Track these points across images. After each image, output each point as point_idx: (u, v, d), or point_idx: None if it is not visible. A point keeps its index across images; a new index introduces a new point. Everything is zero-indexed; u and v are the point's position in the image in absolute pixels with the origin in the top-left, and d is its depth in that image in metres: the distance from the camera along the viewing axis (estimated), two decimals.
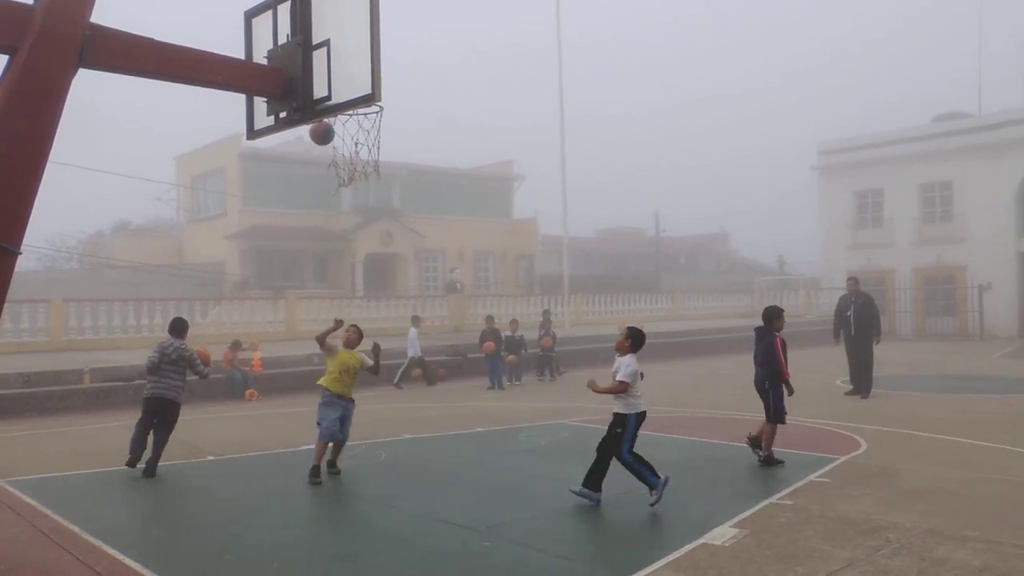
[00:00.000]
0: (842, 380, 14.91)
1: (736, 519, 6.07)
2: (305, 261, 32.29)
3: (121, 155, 57.93)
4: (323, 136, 6.53)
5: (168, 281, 28.95)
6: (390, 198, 34.06)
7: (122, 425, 11.72)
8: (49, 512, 6.68)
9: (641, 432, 7.24)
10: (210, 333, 19.72)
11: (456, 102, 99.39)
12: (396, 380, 16.19)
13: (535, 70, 78.50)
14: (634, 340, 6.78)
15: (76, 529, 6.17)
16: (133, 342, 19.02)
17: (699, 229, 56.61)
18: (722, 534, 5.71)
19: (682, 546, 5.45)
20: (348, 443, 9.89)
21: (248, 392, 14.80)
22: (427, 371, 16.81)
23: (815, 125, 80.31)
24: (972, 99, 46.46)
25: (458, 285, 29.42)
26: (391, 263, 33.48)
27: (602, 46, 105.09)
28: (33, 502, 7.02)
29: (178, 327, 8.87)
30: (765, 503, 6.52)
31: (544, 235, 39.39)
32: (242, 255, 30.66)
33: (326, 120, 6.41)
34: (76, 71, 5.21)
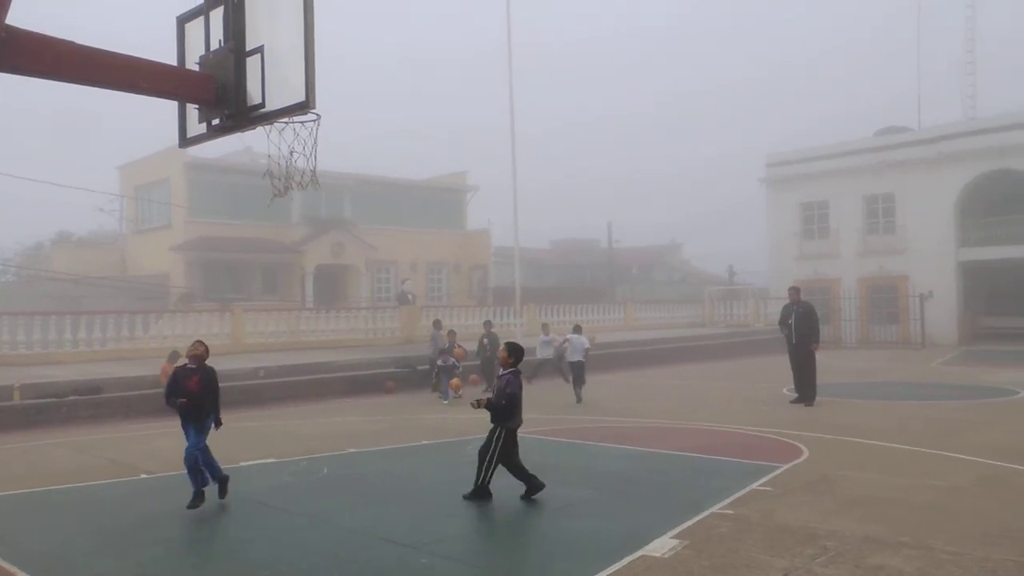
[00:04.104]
0: (788, 388, 15.11)
1: (677, 530, 6.04)
2: (253, 273, 31.70)
3: (63, 164, 56.32)
4: None
5: (110, 294, 28.14)
6: (341, 209, 33.71)
7: (54, 443, 11.30)
8: None
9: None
10: (151, 347, 19.22)
11: (411, 113, 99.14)
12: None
13: (487, 81, 78.86)
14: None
15: None
16: (71, 356, 18.40)
17: (652, 240, 57.28)
18: (662, 545, 5.67)
19: (621, 558, 5.40)
20: (290, 458, 9.70)
21: None
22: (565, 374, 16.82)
23: (764, 137, 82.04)
24: (912, 114, 47.85)
25: (410, 296, 29.18)
26: (342, 275, 33.08)
27: (554, 56, 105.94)
28: None
29: (436, 324, 17.70)
30: (707, 513, 6.52)
31: (498, 246, 39.38)
32: (188, 267, 29.97)
33: None
34: None
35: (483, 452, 7.35)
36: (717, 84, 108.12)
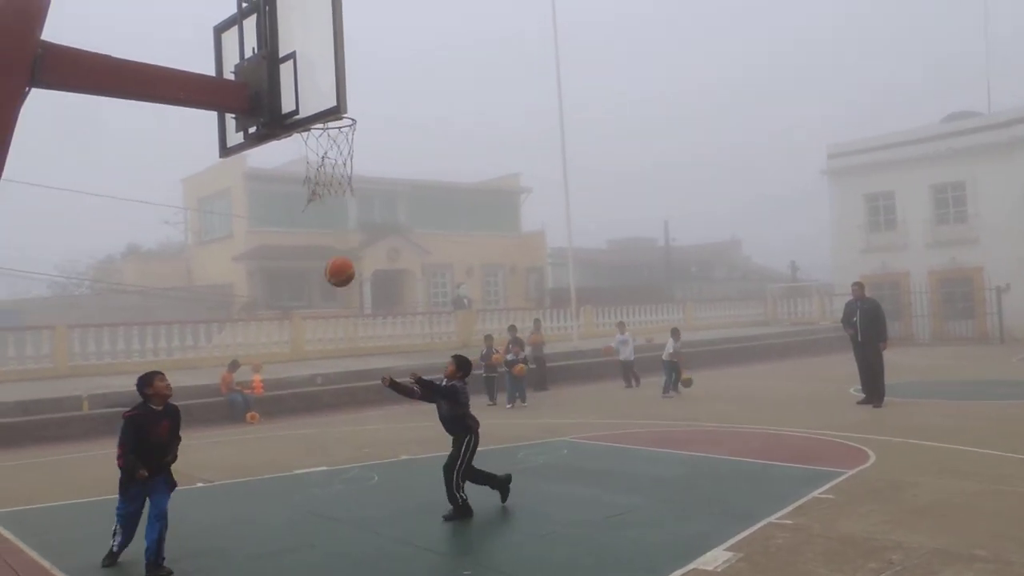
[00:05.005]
0: (855, 388, 14.50)
1: (731, 541, 5.75)
2: (312, 280, 32.17)
3: (132, 178, 58.43)
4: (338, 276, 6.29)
5: (178, 304, 28.95)
6: (396, 214, 33.99)
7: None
8: (25, 547, 6.49)
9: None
10: (215, 356, 19.62)
11: (466, 116, 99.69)
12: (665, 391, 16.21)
13: (542, 82, 78.72)
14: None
15: (47, 564, 5.97)
16: (138, 367, 18.79)
17: (711, 237, 56.27)
18: (714, 558, 5.40)
19: (671, 572, 5.16)
20: (343, 465, 9.70)
21: (249, 415, 14.63)
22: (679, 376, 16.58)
23: (824, 125, 79.79)
24: (981, 98, 45.86)
25: (465, 300, 29.21)
26: (399, 280, 33.34)
27: (599, 48, 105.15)
28: (9, 535, 6.83)
29: (516, 334, 16.88)
30: (764, 523, 6.20)
31: (554, 247, 39.16)
32: (249, 276, 30.63)
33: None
34: (28, 91, 5.05)
35: (450, 467, 7.04)
36: (771, 68, 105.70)
